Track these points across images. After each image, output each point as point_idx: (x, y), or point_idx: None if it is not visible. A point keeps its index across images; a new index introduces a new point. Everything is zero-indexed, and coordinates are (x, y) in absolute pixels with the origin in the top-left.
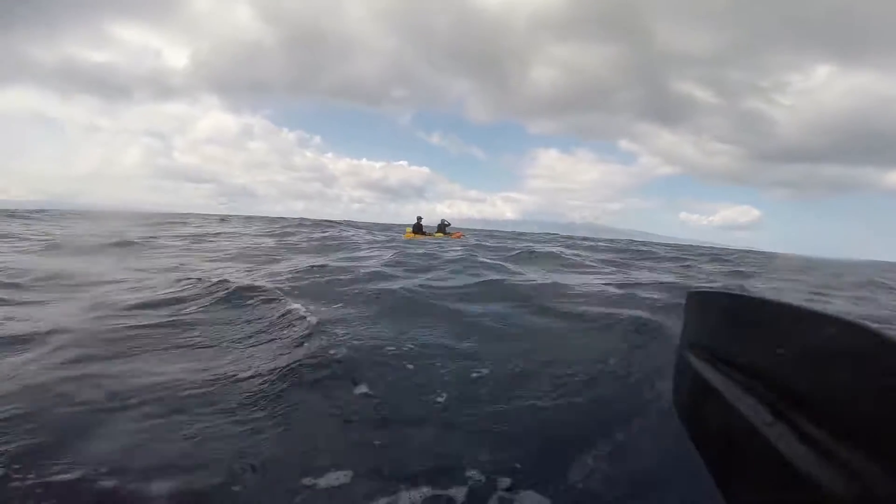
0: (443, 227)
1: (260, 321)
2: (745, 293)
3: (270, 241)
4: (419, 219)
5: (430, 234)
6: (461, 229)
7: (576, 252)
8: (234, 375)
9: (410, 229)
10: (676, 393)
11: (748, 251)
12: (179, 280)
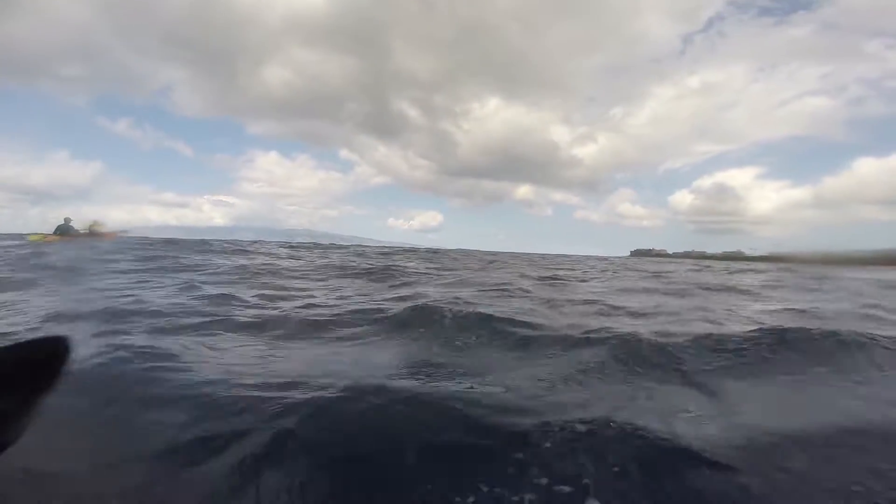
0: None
1: None
2: None
3: None
4: (67, 220)
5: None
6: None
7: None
8: None
9: (52, 233)
10: None
11: (435, 249)
12: None
